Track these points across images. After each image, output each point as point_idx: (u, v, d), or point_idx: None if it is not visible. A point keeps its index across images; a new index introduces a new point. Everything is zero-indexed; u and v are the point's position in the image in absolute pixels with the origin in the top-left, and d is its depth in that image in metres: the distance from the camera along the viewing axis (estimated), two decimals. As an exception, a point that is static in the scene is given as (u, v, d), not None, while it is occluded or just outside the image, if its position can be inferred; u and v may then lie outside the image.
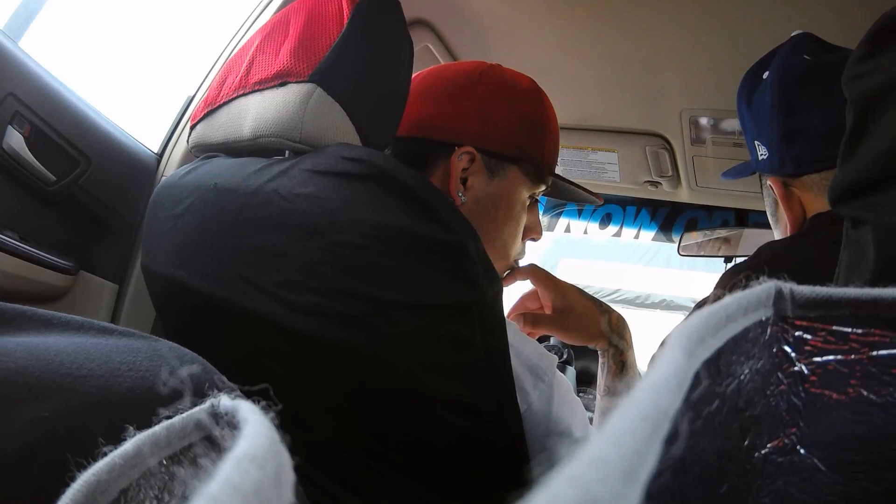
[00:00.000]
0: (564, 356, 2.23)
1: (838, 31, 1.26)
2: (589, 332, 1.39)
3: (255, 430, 0.27)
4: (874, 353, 0.32)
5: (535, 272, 1.40)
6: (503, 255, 1.29)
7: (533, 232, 1.36)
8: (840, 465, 0.34)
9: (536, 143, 1.26)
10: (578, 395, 2.33)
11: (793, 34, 1.23)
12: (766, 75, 1.21)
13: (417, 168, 1.14)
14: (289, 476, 0.25)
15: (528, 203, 1.29)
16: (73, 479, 0.33)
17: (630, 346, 1.43)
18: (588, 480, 0.17)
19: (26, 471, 0.45)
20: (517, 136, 1.23)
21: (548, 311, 1.41)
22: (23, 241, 1.26)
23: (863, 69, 0.58)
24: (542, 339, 2.51)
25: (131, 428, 0.36)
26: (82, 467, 0.34)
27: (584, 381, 2.44)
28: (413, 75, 1.18)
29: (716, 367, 0.28)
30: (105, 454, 0.34)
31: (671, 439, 0.22)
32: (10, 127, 1.23)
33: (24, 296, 1.31)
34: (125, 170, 1.51)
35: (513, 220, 1.26)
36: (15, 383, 0.48)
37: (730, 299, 0.30)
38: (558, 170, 2.39)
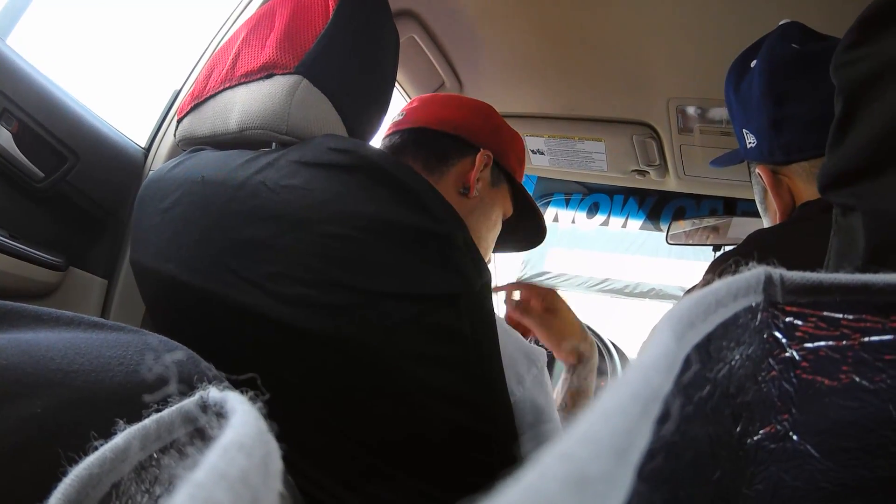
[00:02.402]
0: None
1: (825, 20, 1.26)
2: (568, 340, 1.44)
3: (242, 419, 0.27)
4: (866, 339, 0.32)
5: (521, 283, 1.49)
6: (484, 254, 1.37)
7: None
8: (833, 452, 0.34)
9: (521, 174, 1.44)
10: None
11: (780, 23, 1.23)
12: (753, 64, 1.21)
13: (437, 157, 1.27)
14: (277, 464, 0.25)
15: None
16: (65, 474, 0.33)
17: (591, 372, 1.49)
18: (579, 457, 0.17)
19: (19, 468, 0.45)
20: (514, 162, 1.39)
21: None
22: (12, 239, 1.26)
23: (851, 57, 0.58)
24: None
25: (121, 422, 0.36)
26: (74, 462, 0.34)
27: None
28: (430, 94, 1.26)
29: (706, 352, 0.28)
30: (96, 448, 0.34)
31: (662, 420, 0.22)
32: (-3, 124, 1.22)
33: (14, 293, 1.30)
34: (113, 165, 1.50)
35: (496, 228, 1.39)
36: (7, 380, 0.48)
37: (719, 284, 0.30)
38: (546, 158, 2.42)
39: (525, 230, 1.59)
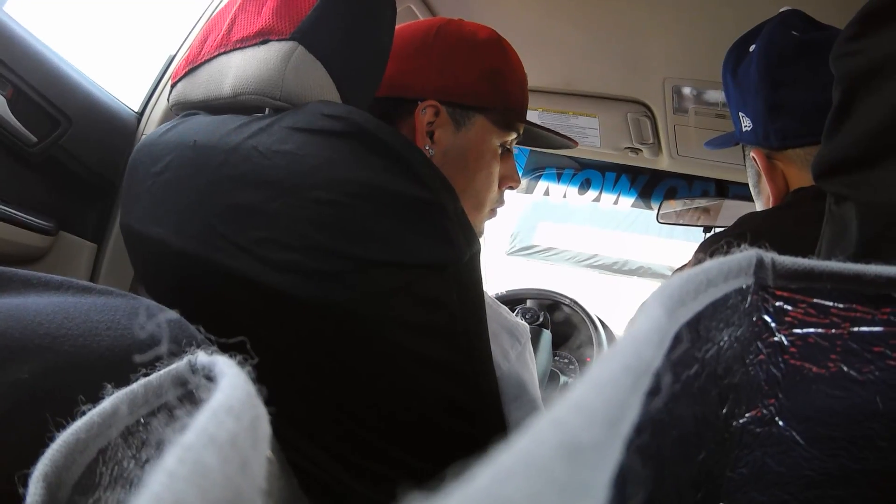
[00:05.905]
0: (540, 319, 2.23)
1: (825, 10, 1.26)
2: None
3: (231, 382, 0.27)
4: (855, 328, 0.32)
5: None
6: (478, 206, 1.28)
7: (510, 180, 1.35)
8: (819, 440, 0.34)
9: (500, 91, 1.25)
10: (554, 359, 2.34)
11: (781, 10, 1.23)
12: (752, 48, 1.21)
13: None
14: (265, 428, 0.25)
15: (500, 152, 1.29)
16: (53, 439, 0.33)
17: None
18: (572, 425, 0.17)
19: (7, 433, 0.45)
20: (479, 86, 1.23)
21: None
22: (3, 203, 1.25)
23: (851, 48, 0.58)
24: (517, 303, 2.52)
25: (109, 386, 0.36)
26: (62, 428, 0.33)
27: (557, 345, 2.44)
28: None
29: (696, 331, 0.28)
30: (84, 413, 0.34)
31: (652, 394, 0.23)
32: (-8, 90, 1.22)
33: (4, 257, 1.30)
34: (106, 129, 1.50)
35: (483, 169, 1.26)
36: None
37: (710, 264, 0.30)
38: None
39: (548, 140, 1.48)
